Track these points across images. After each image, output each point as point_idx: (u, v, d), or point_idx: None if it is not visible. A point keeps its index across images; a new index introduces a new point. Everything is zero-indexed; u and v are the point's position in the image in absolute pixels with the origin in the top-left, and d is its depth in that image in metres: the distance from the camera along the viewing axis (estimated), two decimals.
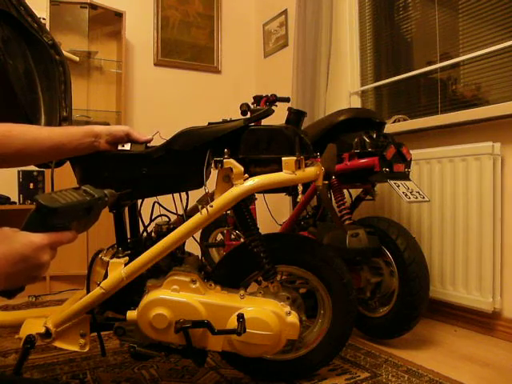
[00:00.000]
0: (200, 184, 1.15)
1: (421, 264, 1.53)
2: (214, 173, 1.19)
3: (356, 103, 2.57)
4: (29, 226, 0.61)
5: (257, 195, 2.15)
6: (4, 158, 0.83)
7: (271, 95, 2.17)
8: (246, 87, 3.42)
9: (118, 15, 2.79)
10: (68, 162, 1.16)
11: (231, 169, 1.13)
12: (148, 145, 1.19)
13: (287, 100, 2.24)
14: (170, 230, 1.22)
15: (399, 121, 2.15)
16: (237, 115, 1.69)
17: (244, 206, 1.18)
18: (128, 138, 1.13)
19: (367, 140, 1.60)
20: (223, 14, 3.35)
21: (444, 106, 2.07)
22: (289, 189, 1.31)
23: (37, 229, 0.60)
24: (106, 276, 1.13)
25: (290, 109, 1.66)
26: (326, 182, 1.25)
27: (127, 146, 1.13)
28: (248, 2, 3.46)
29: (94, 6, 2.69)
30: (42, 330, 1.10)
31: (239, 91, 3.38)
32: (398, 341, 1.63)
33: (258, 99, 2.21)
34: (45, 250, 0.59)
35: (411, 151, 1.67)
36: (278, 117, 1.76)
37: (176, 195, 1.22)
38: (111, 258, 1.15)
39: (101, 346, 1.17)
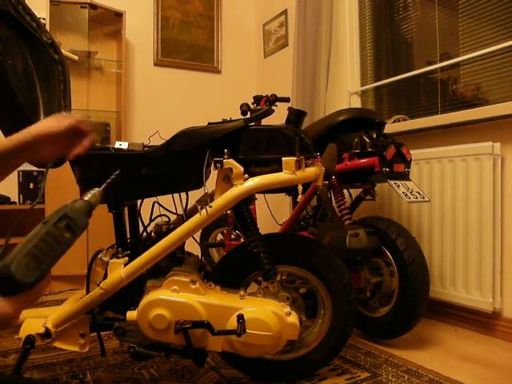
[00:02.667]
0: (200, 184, 1.14)
1: (421, 264, 1.53)
2: (213, 173, 1.19)
3: (356, 103, 2.57)
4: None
5: (257, 195, 2.14)
6: None
7: (271, 95, 2.17)
8: (246, 87, 3.42)
9: (118, 15, 2.79)
10: (67, 162, 1.16)
11: (231, 169, 1.13)
12: (147, 145, 1.19)
13: (287, 100, 2.24)
14: (169, 230, 1.22)
15: (399, 121, 2.15)
16: (237, 115, 1.69)
17: (244, 206, 1.18)
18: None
19: (367, 140, 1.60)
20: (223, 14, 3.35)
21: (444, 106, 2.07)
22: (289, 189, 1.30)
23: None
24: (105, 276, 1.13)
25: (290, 108, 1.66)
26: (326, 182, 1.25)
27: (125, 146, 1.13)
28: (248, 1, 3.46)
29: (93, 6, 2.69)
30: (42, 330, 1.10)
31: (239, 91, 3.38)
32: (398, 341, 1.63)
33: (258, 99, 2.21)
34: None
35: (411, 151, 1.67)
36: (278, 117, 1.76)
37: (176, 195, 1.22)
38: (111, 258, 1.15)
39: (101, 346, 1.17)
